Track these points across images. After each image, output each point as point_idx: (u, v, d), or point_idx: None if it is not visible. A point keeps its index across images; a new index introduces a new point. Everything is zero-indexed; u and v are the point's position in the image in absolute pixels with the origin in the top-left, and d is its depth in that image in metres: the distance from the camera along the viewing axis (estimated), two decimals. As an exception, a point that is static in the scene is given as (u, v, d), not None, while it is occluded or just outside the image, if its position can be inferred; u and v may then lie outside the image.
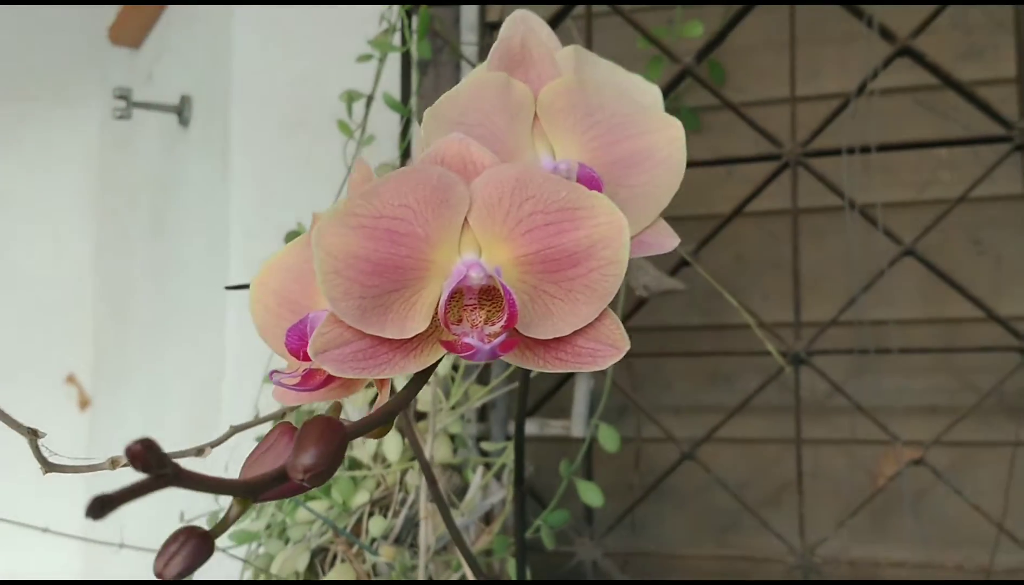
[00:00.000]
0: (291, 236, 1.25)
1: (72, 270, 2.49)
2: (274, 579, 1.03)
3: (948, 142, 1.26)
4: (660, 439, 1.31)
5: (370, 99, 1.32)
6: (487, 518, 1.12)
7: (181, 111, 1.83)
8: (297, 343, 0.47)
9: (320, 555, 1.08)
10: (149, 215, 2.10)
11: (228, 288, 0.83)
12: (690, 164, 1.40)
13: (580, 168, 0.54)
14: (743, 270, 1.49)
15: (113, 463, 0.55)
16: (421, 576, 0.98)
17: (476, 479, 1.11)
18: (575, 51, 0.66)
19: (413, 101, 1.32)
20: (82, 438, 2.44)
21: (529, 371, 0.89)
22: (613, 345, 0.46)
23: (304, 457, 0.34)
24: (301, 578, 1.05)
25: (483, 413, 1.26)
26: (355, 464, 1.13)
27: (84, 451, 2.32)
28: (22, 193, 2.46)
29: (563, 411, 1.25)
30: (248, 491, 0.34)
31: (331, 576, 1.01)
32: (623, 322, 1.31)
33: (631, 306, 1.28)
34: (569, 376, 1.26)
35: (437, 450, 1.11)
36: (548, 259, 0.45)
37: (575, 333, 0.46)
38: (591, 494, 1.08)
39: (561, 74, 0.58)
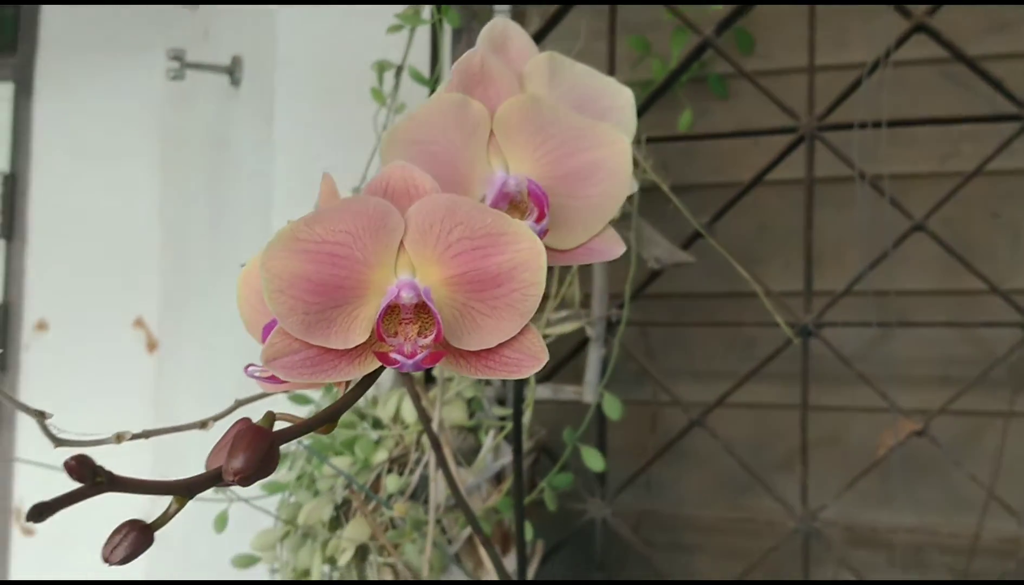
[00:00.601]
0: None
1: (140, 219, 2.60)
2: (304, 579, 1.11)
3: (960, 119, 1.27)
4: (676, 403, 1.36)
5: (400, 69, 1.36)
6: (498, 478, 1.18)
7: (232, 72, 1.90)
8: (271, 340, 0.54)
9: (343, 507, 1.16)
10: (207, 170, 2.18)
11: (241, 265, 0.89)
12: (712, 135, 1.44)
13: (528, 182, 0.59)
14: (765, 239, 1.52)
15: (118, 438, 0.62)
16: (431, 532, 1.05)
17: (488, 441, 1.17)
18: (549, 58, 0.70)
19: (442, 70, 1.37)
20: (149, 379, 2.57)
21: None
22: (534, 356, 0.51)
23: (235, 461, 0.40)
24: (326, 526, 1.14)
25: (500, 376, 1.32)
26: (377, 424, 1.20)
27: (152, 391, 2.46)
28: (94, 144, 2.57)
29: (579, 376, 1.31)
30: (185, 490, 0.40)
31: (348, 529, 1.09)
32: (639, 291, 1.37)
33: (645, 276, 1.33)
34: (584, 343, 1.31)
35: (452, 413, 1.17)
36: (474, 280, 0.50)
37: (501, 345, 0.51)
38: (593, 459, 1.14)
39: (520, 92, 0.63)
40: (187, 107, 2.31)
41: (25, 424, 2.48)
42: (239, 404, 0.78)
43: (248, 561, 1.17)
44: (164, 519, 0.40)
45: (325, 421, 0.49)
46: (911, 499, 1.33)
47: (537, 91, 0.70)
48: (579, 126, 0.62)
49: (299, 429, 0.47)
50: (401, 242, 0.50)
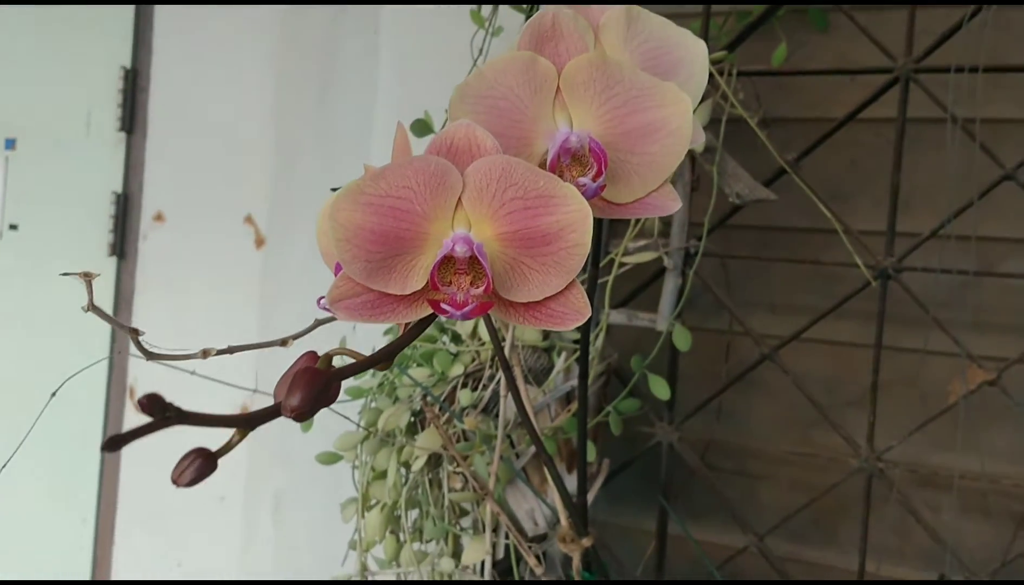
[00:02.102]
0: (416, 125, 1.36)
1: (254, 118, 2.69)
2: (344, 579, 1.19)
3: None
4: (750, 335, 1.39)
5: (495, -9, 1.38)
6: (568, 398, 1.24)
7: (340, -15, 1.94)
8: (342, 274, 0.59)
9: (420, 415, 1.23)
10: (317, 76, 2.24)
11: (332, 189, 0.95)
12: (807, 72, 1.43)
13: (590, 140, 0.62)
14: (854, 177, 1.50)
15: (204, 353, 0.69)
16: (499, 446, 1.11)
17: (559, 362, 1.22)
18: (626, 10, 0.72)
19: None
20: (256, 274, 2.69)
21: (597, 277, 0.98)
22: (577, 310, 0.55)
23: (292, 399, 0.46)
24: (403, 432, 1.21)
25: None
26: (456, 338, 1.26)
27: (258, 286, 2.57)
28: (213, 41, 2.64)
29: (655, 303, 1.34)
30: (246, 423, 0.46)
31: (422, 438, 1.16)
32: (719, 223, 1.39)
33: (727, 208, 1.34)
34: (661, 271, 1.34)
35: (526, 333, 1.23)
36: (525, 237, 0.54)
37: (547, 299, 0.56)
38: (660, 387, 1.18)
39: (590, 49, 0.66)
40: (301, 12, 2.37)
41: (142, 306, 2.63)
42: (318, 323, 0.84)
43: (331, 458, 1.25)
44: (227, 448, 0.46)
45: (382, 360, 0.54)
46: (978, 445, 1.33)
47: (612, 43, 0.73)
48: (643, 85, 0.64)
49: (357, 366, 0.52)
50: (459, 198, 0.54)
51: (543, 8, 0.65)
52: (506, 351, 1.14)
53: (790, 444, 1.55)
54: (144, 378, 2.74)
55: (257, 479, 2.32)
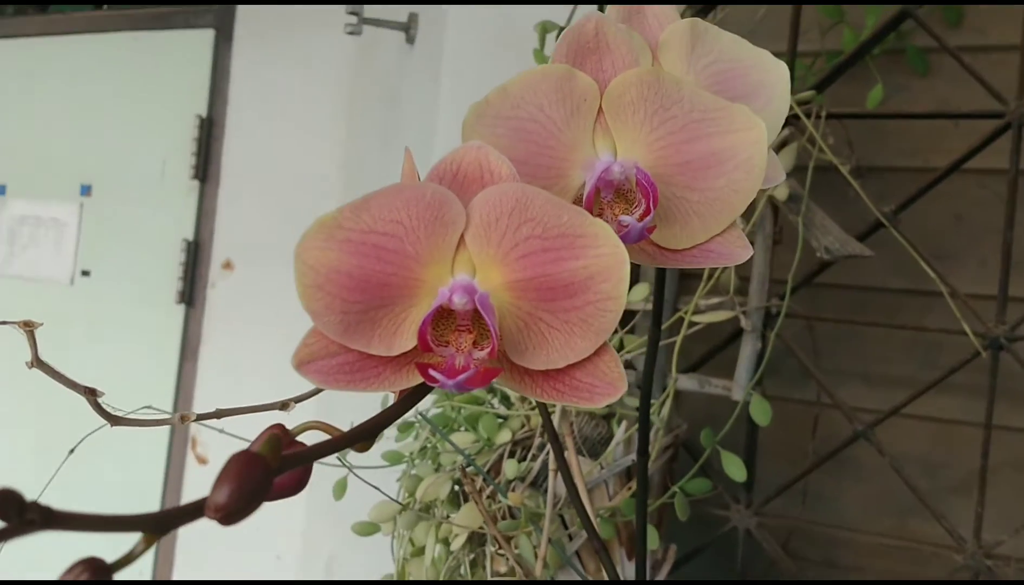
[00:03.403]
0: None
1: (324, 166, 2.64)
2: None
3: None
4: (841, 409, 1.24)
5: (561, 31, 1.29)
6: (628, 474, 1.11)
7: (408, 28, 1.87)
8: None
9: (463, 486, 1.11)
10: (382, 123, 2.18)
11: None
12: (906, 115, 1.29)
13: (637, 170, 0.51)
14: (959, 234, 1.35)
15: (183, 419, 0.59)
16: (546, 527, 0.99)
17: (619, 432, 1.09)
18: (690, 25, 0.61)
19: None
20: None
21: (659, 338, 0.86)
22: (610, 383, 0.43)
23: (218, 495, 0.35)
24: (444, 504, 1.09)
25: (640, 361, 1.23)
26: (505, 400, 1.15)
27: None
28: (285, 92, 2.62)
29: (731, 368, 1.20)
30: (154, 527, 0.35)
31: (460, 514, 1.04)
32: (806, 281, 1.24)
33: (815, 265, 1.20)
34: (738, 333, 1.20)
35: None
36: (543, 287, 0.42)
37: (572, 366, 0.44)
38: (734, 466, 1.04)
39: (641, 64, 0.54)
40: (368, 61, 2.32)
41: (207, 355, 2.58)
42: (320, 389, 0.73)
43: (369, 529, 1.14)
44: (128, 560, 0.35)
45: (359, 439, 0.43)
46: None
47: (674, 63, 0.62)
48: (707, 107, 0.53)
49: (321, 449, 0.41)
50: (461, 237, 0.43)
51: (584, 15, 0.54)
52: (555, 419, 1.02)
53: (884, 533, 1.38)
54: (206, 431, 2.68)
55: (313, 540, 2.23)
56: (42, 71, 2.90)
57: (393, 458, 1.15)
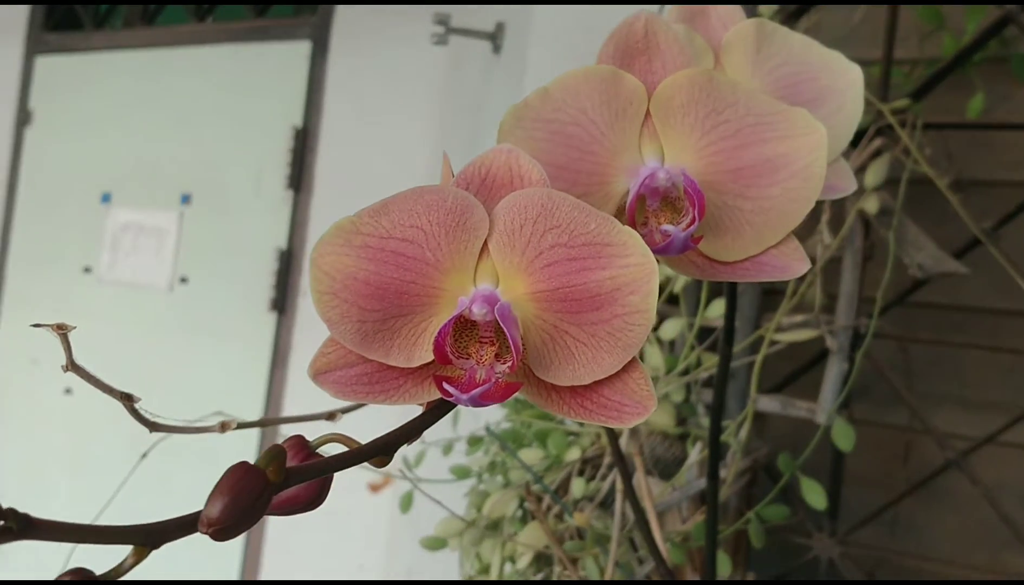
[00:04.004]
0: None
1: (415, 176, 2.66)
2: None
3: None
4: (934, 434, 1.17)
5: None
6: (703, 497, 1.06)
7: (495, 38, 1.86)
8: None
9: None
10: (470, 133, 2.18)
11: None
12: (1011, 126, 1.21)
13: (684, 177, 0.48)
14: (1068, 251, 1.26)
15: (223, 427, 0.58)
16: (613, 550, 0.95)
17: (694, 453, 1.05)
18: (756, 26, 0.58)
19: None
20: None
21: (730, 357, 0.82)
22: (639, 402, 0.40)
23: (212, 508, 0.33)
24: (511, 522, 1.07)
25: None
26: (578, 418, 1.11)
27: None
28: (378, 102, 2.65)
29: (817, 390, 1.15)
30: (144, 539, 0.33)
31: (524, 533, 1.01)
32: (899, 300, 1.17)
33: (908, 283, 1.14)
34: (825, 353, 1.15)
35: (658, 416, 1.07)
36: (568, 298, 0.40)
37: (600, 383, 0.41)
38: (813, 493, 0.99)
39: (692, 65, 0.51)
40: (456, 71, 2.32)
41: (297, 362, 2.62)
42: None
43: (437, 544, 1.12)
44: (118, 573, 0.33)
45: (375, 454, 0.41)
46: None
47: (739, 66, 0.59)
48: (762, 110, 0.49)
49: (332, 462, 0.39)
50: (486, 244, 0.41)
51: (634, 14, 0.52)
52: (623, 438, 0.98)
53: (977, 566, 1.30)
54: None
55: (395, 550, 2.23)
56: (147, 83, 2.99)
57: (460, 473, 1.13)
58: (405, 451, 1.27)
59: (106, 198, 2.92)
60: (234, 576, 2.57)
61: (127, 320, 2.82)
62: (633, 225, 0.47)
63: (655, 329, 1.12)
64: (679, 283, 1.14)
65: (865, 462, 1.25)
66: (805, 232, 1.14)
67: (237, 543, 2.57)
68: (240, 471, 0.34)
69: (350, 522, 2.36)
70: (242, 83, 2.83)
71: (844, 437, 1.00)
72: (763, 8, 1.21)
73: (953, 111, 1.25)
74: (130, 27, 3.06)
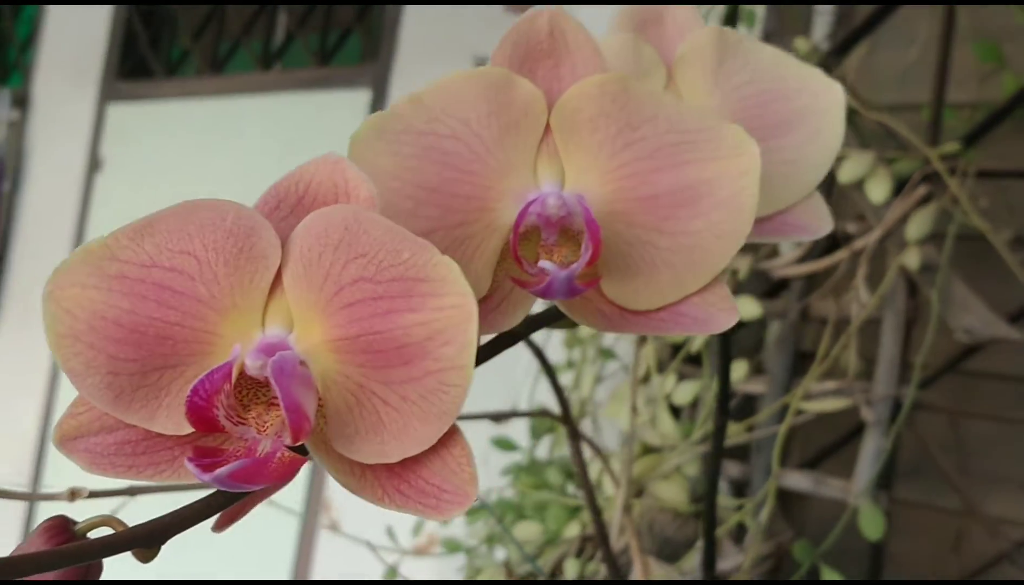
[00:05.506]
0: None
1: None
2: None
3: None
4: (994, 520, 1.03)
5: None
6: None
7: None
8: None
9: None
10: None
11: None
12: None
13: (580, 202, 0.38)
14: None
15: (73, 495, 0.50)
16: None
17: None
18: (717, 36, 0.49)
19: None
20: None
21: (725, 426, 0.72)
22: (460, 488, 0.31)
23: None
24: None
25: (744, 453, 1.07)
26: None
27: (471, 398, 2.48)
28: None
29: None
30: None
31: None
32: (948, 369, 1.03)
33: (957, 350, 1.01)
34: (862, 425, 1.02)
35: (668, 490, 0.95)
36: (371, 349, 0.31)
37: (416, 462, 0.31)
38: (834, 586, 0.86)
39: (606, 70, 0.42)
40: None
41: None
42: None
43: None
44: None
45: (141, 542, 0.32)
46: None
47: (696, 83, 0.49)
48: (689, 127, 0.40)
49: (66, 553, 0.30)
50: (279, 277, 0.32)
51: (536, 7, 0.43)
52: (616, 513, 0.87)
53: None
54: (341, 495, 2.64)
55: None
56: (214, 130, 3.02)
57: (452, 546, 1.04)
58: (392, 521, 1.18)
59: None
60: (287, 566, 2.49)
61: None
62: (518, 261, 0.38)
63: (667, 393, 1.01)
64: (698, 340, 1.04)
65: (913, 549, 1.11)
66: (841, 289, 1.03)
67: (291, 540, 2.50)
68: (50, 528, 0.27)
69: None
70: (305, 130, 2.83)
71: (872, 523, 0.87)
72: (800, 44, 1.11)
73: (1016, 159, 1.12)
74: (199, 75, 3.10)
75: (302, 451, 0.32)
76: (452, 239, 0.39)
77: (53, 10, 3.26)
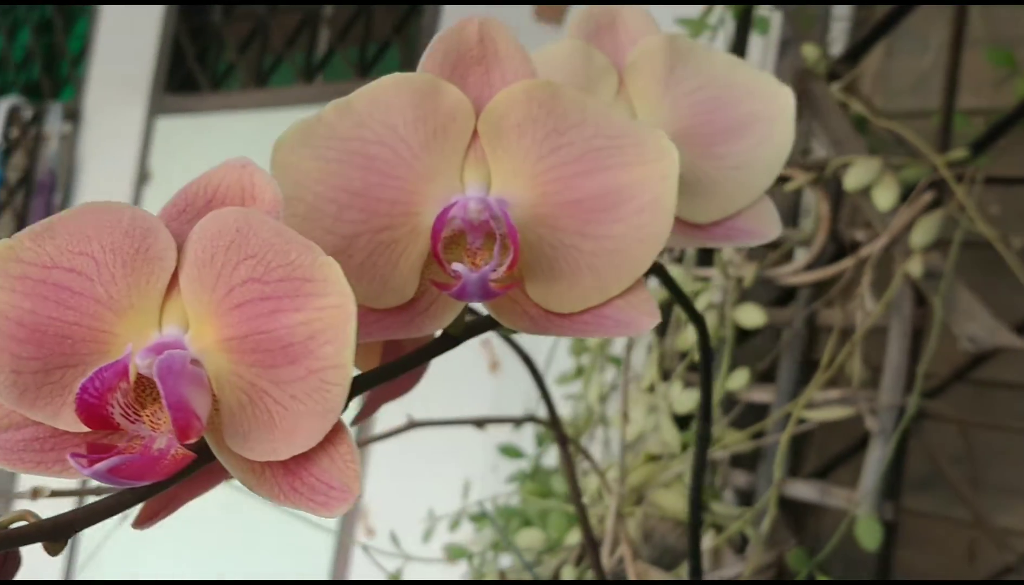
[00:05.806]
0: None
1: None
2: None
3: None
4: (1004, 532, 1.00)
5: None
6: (712, 593, 0.93)
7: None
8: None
9: (531, 589, 0.98)
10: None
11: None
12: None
13: (501, 206, 0.39)
14: None
15: (35, 493, 0.51)
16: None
17: (706, 541, 0.93)
18: (668, 42, 0.49)
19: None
20: (488, 395, 2.55)
21: (708, 436, 0.71)
22: (345, 485, 0.31)
23: None
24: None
25: (752, 463, 1.05)
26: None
27: (490, 406, 2.45)
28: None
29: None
30: None
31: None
32: (955, 378, 1.02)
33: (967, 359, 0.99)
34: (867, 435, 1.00)
35: (668, 499, 0.95)
36: (260, 348, 0.31)
37: (307, 459, 0.32)
38: (830, 599, 0.85)
39: (534, 76, 0.42)
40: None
41: (381, 418, 2.56)
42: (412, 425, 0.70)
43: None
44: None
45: (46, 536, 0.33)
46: None
47: (646, 90, 0.50)
48: (616, 132, 0.40)
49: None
50: (176, 278, 0.32)
51: (465, 17, 0.43)
52: (608, 519, 0.87)
53: None
54: (377, 499, 2.66)
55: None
56: (257, 143, 3.06)
57: (455, 553, 1.04)
58: (396, 527, 1.18)
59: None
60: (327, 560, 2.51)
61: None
62: (441, 265, 0.38)
63: (668, 402, 1.01)
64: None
65: (925, 561, 1.08)
66: (847, 296, 1.01)
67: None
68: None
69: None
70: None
71: (870, 534, 0.86)
72: (808, 51, 1.10)
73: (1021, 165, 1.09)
74: (244, 88, 3.14)
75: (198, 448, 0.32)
76: (377, 243, 0.39)
77: (104, 26, 3.34)
